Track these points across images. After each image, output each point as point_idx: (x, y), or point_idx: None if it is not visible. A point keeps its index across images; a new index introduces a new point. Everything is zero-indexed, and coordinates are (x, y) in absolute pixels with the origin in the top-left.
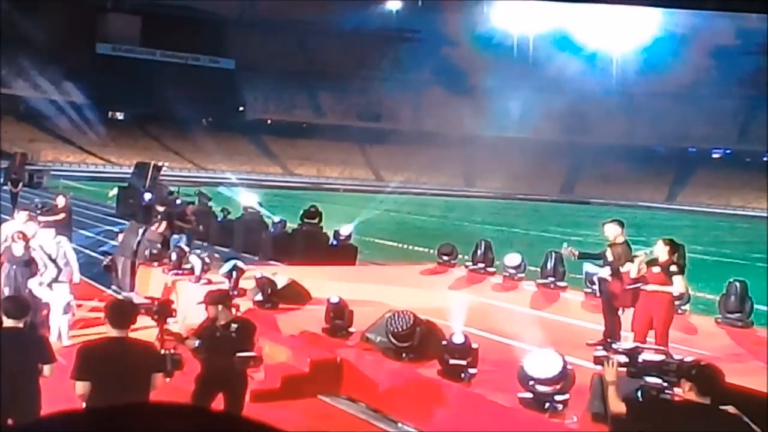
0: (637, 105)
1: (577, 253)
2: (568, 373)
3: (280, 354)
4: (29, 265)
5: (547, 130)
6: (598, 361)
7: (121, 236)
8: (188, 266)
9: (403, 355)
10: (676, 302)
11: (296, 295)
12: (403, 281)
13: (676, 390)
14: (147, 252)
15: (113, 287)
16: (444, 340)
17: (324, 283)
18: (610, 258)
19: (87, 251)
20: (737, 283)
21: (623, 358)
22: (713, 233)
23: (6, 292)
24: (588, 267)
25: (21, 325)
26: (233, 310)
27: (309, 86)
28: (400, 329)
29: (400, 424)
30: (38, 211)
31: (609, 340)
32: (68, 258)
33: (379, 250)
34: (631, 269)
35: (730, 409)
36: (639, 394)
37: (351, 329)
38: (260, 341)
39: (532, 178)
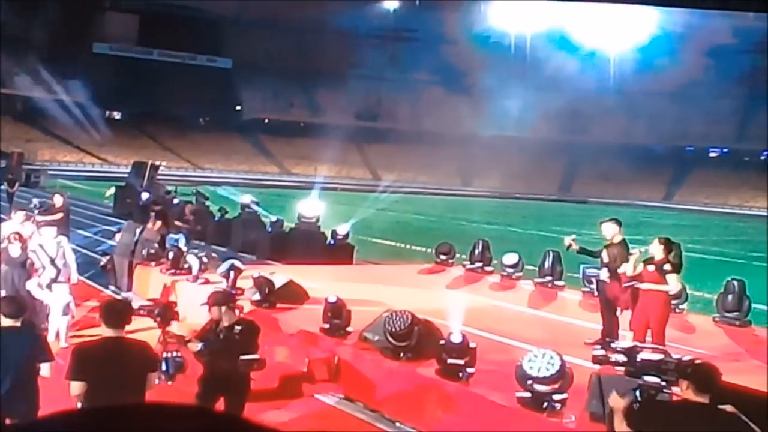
0: (635, 104)
1: (577, 247)
2: (566, 373)
3: (278, 353)
4: (26, 267)
5: (545, 129)
6: (596, 360)
7: (118, 236)
8: (186, 266)
9: (401, 354)
10: (673, 301)
11: (294, 294)
12: (400, 281)
13: (675, 389)
14: (144, 252)
15: (112, 287)
16: (442, 340)
17: (322, 282)
18: (606, 260)
19: (84, 251)
20: (735, 282)
21: (622, 357)
22: (711, 232)
23: (3, 293)
24: (587, 269)
25: (18, 324)
26: (237, 312)
27: (306, 85)
28: (397, 329)
29: (398, 424)
30: (36, 211)
31: (607, 339)
32: (67, 258)
33: (377, 249)
34: (627, 268)
35: (729, 408)
36: (637, 393)
37: (349, 329)
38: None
39: (530, 177)
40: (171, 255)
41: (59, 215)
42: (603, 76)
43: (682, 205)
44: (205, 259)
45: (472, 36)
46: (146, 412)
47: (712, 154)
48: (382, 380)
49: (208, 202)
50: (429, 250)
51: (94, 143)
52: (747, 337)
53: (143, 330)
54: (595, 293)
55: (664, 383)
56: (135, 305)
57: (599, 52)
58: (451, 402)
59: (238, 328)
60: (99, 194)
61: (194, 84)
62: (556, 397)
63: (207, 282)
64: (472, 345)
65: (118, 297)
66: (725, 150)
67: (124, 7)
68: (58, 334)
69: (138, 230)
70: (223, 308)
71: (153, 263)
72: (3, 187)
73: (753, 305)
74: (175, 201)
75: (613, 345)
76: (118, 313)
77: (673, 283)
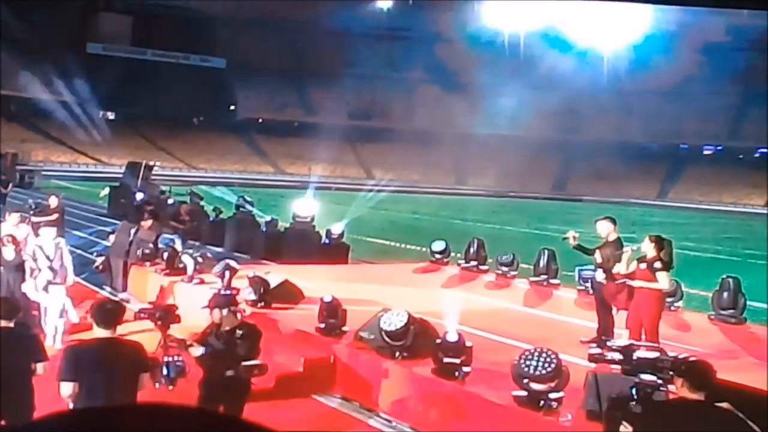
0: (629, 102)
1: (575, 243)
2: (562, 371)
3: (275, 354)
4: (21, 270)
5: (539, 127)
6: (592, 358)
7: (113, 237)
8: (181, 266)
9: (397, 353)
10: (668, 299)
11: (289, 294)
12: (395, 280)
13: (671, 387)
14: (139, 252)
15: (108, 288)
16: (438, 339)
17: (317, 282)
18: (599, 260)
19: (79, 252)
20: (730, 280)
21: (618, 356)
22: (705, 230)
23: None
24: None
25: (11, 325)
26: (238, 315)
27: (300, 85)
28: (393, 328)
29: (394, 423)
30: (31, 212)
31: (603, 337)
32: (64, 260)
33: (372, 248)
34: (620, 267)
35: (725, 405)
36: (633, 391)
37: (344, 328)
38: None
39: (524, 175)
40: (166, 255)
41: (54, 216)
42: (597, 74)
43: (676, 202)
44: (200, 259)
45: (465, 35)
46: (145, 412)
47: (706, 152)
48: (378, 379)
49: (202, 202)
50: (424, 249)
51: (88, 143)
52: (742, 335)
53: (142, 332)
54: (590, 291)
55: (660, 381)
56: (134, 307)
57: (593, 50)
58: (447, 401)
59: (239, 332)
60: (93, 195)
61: (188, 84)
62: (552, 395)
63: (202, 282)
64: (468, 344)
65: (115, 298)
66: (719, 147)
67: (118, 8)
68: (54, 336)
69: (132, 230)
70: (224, 311)
71: (148, 263)
72: None
73: (748, 303)
74: (170, 201)
75: (608, 343)
76: (109, 313)
77: (663, 281)
